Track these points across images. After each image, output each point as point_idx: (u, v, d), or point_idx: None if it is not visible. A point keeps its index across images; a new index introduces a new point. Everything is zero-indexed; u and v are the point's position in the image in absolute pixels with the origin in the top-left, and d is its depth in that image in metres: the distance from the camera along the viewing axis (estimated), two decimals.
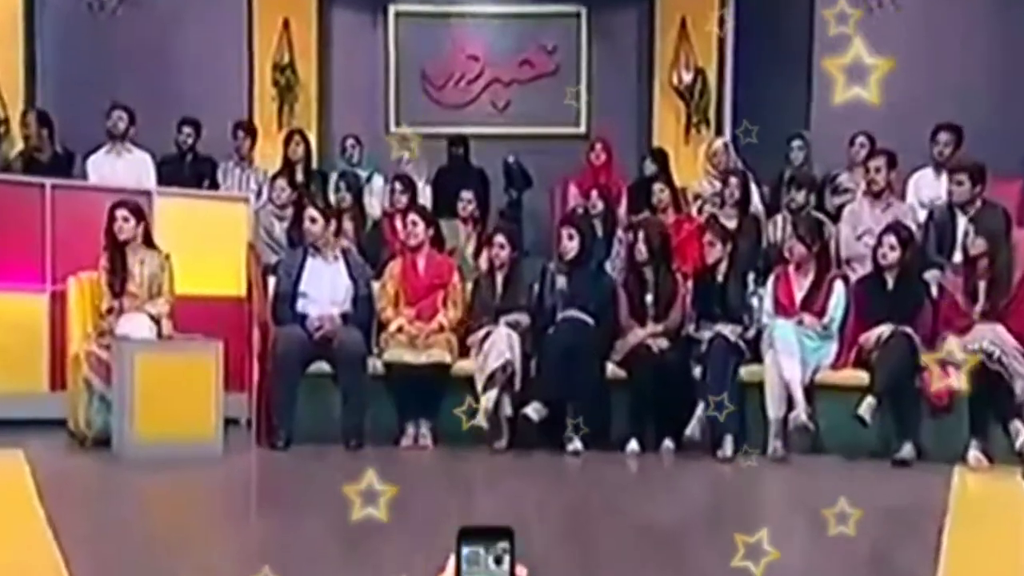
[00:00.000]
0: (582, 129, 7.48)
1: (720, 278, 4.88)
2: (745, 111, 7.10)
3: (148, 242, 4.82)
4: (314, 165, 6.58)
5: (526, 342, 4.75)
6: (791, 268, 4.85)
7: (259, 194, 6.27)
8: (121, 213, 4.73)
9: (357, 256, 5.10)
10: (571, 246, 4.90)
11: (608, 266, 5.54)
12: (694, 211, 6.15)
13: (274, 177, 6.01)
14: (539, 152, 7.32)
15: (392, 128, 7.50)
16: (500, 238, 5.00)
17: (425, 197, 6.30)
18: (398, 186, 5.79)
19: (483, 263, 5.55)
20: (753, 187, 6.07)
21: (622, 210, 6.24)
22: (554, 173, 7.03)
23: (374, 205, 6.31)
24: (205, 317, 5.07)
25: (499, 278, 5.00)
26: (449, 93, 7.54)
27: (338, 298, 4.84)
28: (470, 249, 5.77)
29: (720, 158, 6.16)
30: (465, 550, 1.07)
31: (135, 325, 4.38)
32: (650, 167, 6.46)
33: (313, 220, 4.84)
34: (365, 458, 4.51)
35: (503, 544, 1.07)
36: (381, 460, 4.44)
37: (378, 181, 6.47)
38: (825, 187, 6.03)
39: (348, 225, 5.69)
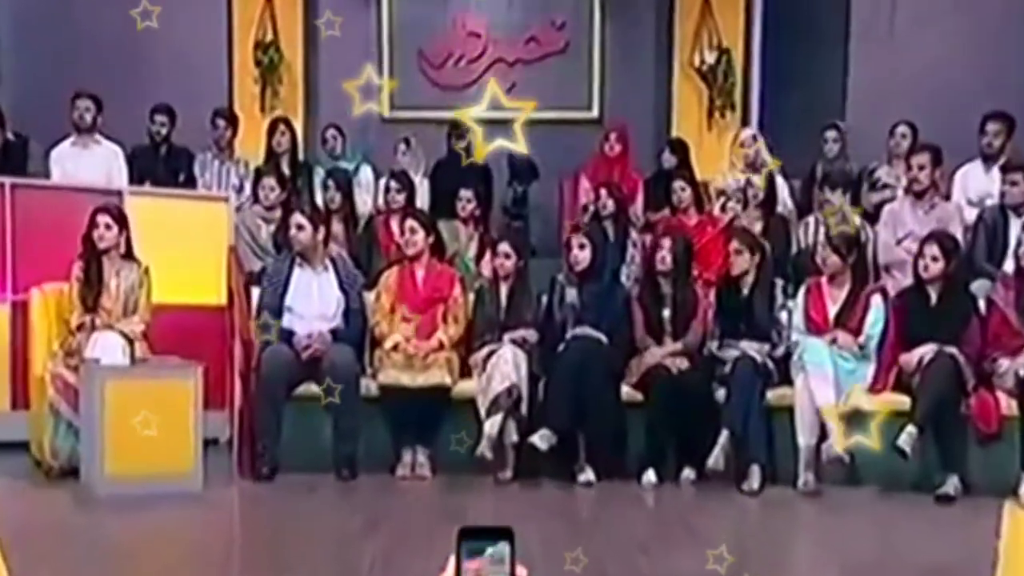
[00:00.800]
0: (594, 113, 7.45)
1: (746, 290, 4.86)
2: (774, 96, 7.05)
3: (128, 253, 4.80)
4: (301, 155, 6.56)
5: (533, 362, 4.73)
6: (824, 279, 4.83)
7: (240, 189, 6.27)
8: (103, 219, 4.71)
9: (348, 264, 5.08)
10: (582, 256, 4.88)
11: (623, 272, 5.52)
12: (716, 208, 6.12)
13: (258, 173, 6.00)
14: (547, 138, 7.31)
15: (387, 113, 7.46)
16: (505, 247, 4.98)
17: (422, 194, 6.28)
18: (394, 185, 5.76)
19: (485, 268, 5.56)
20: (782, 182, 6.05)
21: (638, 208, 6.22)
22: (564, 161, 7.00)
23: (364, 200, 6.29)
24: (182, 328, 5.08)
25: (504, 290, 4.98)
26: (448, 74, 7.49)
27: (328, 312, 4.83)
28: (471, 252, 5.76)
29: (747, 151, 6.12)
30: (465, 550, 1.14)
31: (107, 346, 4.37)
32: (669, 159, 6.44)
33: (300, 227, 4.82)
34: (358, 489, 4.53)
35: (503, 544, 1.14)
36: (375, 491, 4.48)
37: (365, 172, 6.44)
38: (862, 182, 5.99)
39: (338, 227, 5.68)
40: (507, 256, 4.96)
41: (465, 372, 4.85)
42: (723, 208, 6.15)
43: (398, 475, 4.66)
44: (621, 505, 4.42)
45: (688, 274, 4.97)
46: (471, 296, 5.08)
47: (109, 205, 4.76)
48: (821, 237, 5.32)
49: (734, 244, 4.88)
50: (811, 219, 5.58)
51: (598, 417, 4.60)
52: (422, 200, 6.21)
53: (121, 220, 4.76)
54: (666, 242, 4.89)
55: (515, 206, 6.51)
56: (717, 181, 6.25)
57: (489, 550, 1.14)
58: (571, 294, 4.89)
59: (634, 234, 5.74)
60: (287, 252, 5.09)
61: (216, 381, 4.91)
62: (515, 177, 6.63)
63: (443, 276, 5.01)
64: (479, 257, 5.70)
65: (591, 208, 6.03)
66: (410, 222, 4.99)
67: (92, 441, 4.13)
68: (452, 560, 1.14)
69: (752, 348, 4.71)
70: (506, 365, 4.63)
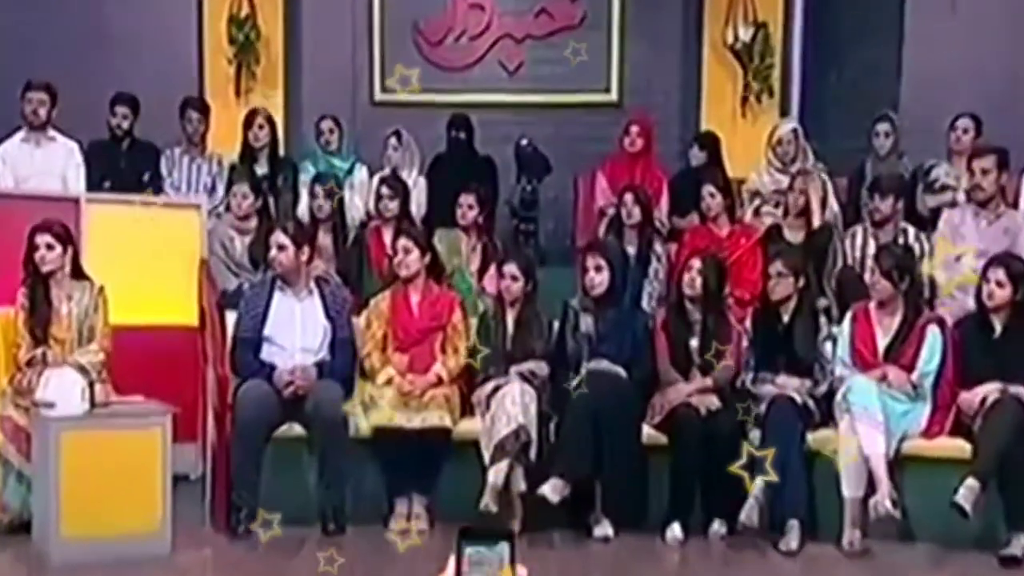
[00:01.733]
0: (613, 96, 7.41)
1: (786, 318, 4.81)
2: (817, 79, 6.98)
3: (77, 272, 4.75)
4: (281, 151, 6.51)
5: (543, 399, 4.70)
6: (872, 305, 4.77)
7: (213, 189, 6.23)
8: (43, 239, 4.64)
9: (336, 287, 5.03)
10: (598, 280, 4.83)
11: (646, 289, 5.46)
12: (749, 213, 6.06)
13: (232, 176, 5.95)
14: (560, 124, 7.26)
15: (377, 95, 7.40)
16: (512, 268, 4.93)
17: (418, 194, 6.21)
18: (385, 191, 5.71)
19: (489, 284, 5.51)
20: (826, 184, 5.97)
21: (662, 211, 6.16)
22: (579, 151, 6.97)
23: (357, 205, 6.25)
24: (149, 352, 5.06)
25: (510, 317, 4.95)
26: (448, 52, 7.44)
27: (312, 344, 4.79)
28: (473, 266, 5.70)
29: (787, 147, 6.04)
30: (465, 551, 1.24)
31: (61, 387, 4.32)
32: (698, 156, 6.39)
33: (281, 247, 4.77)
34: (346, 545, 4.50)
35: (504, 545, 1.25)
36: (366, 547, 4.46)
37: (360, 174, 6.39)
38: (917, 182, 5.91)
39: (325, 238, 5.63)
40: (514, 278, 4.92)
41: (466, 407, 4.83)
42: (757, 212, 6.10)
43: (392, 527, 4.64)
44: (642, 563, 4.40)
45: (720, 299, 4.93)
46: (473, 321, 5.05)
47: (50, 222, 4.68)
48: (871, 251, 5.28)
49: (776, 267, 4.81)
50: (859, 229, 5.51)
51: (616, 463, 4.57)
52: (418, 204, 6.16)
53: (64, 238, 4.69)
54: (695, 263, 4.84)
55: (524, 207, 6.45)
56: (751, 181, 6.20)
57: (489, 551, 1.24)
58: (586, 322, 4.86)
59: (658, 246, 5.69)
60: (265, 269, 5.04)
61: (188, 409, 4.88)
62: (524, 171, 6.57)
63: (441, 300, 4.97)
64: (482, 271, 5.66)
65: (610, 212, 6.00)
66: (403, 241, 4.93)
67: (46, 500, 4.10)
68: (452, 560, 1.24)
69: (791, 385, 4.67)
70: (513, 405, 4.59)
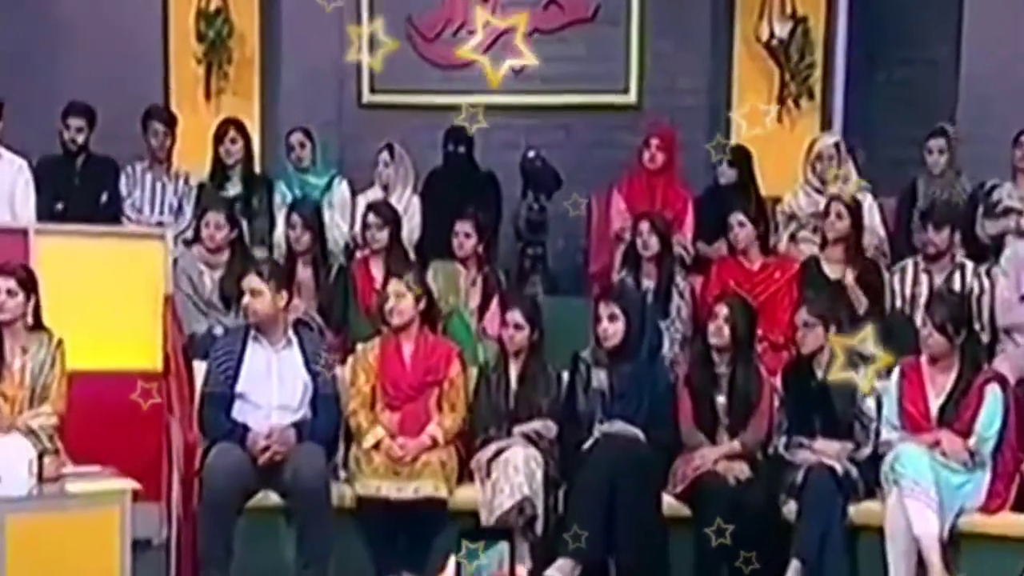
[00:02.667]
0: (631, 97, 7.35)
1: (820, 372, 4.79)
2: (863, 81, 6.92)
3: (36, 322, 4.71)
4: (257, 165, 6.50)
5: (550, 464, 4.70)
6: (924, 360, 4.74)
7: (179, 210, 6.19)
8: (6, 284, 4.60)
9: (317, 335, 5.02)
10: (612, 330, 4.81)
11: (665, 330, 5.43)
12: (784, 239, 6.02)
13: (201, 196, 5.89)
14: (572, 129, 7.22)
15: (366, 97, 7.37)
16: (515, 315, 4.92)
17: (412, 218, 6.19)
18: (373, 219, 5.68)
19: (490, 324, 5.50)
20: (872, 207, 5.94)
21: (686, 234, 6.11)
22: (593, 161, 6.94)
23: (339, 224, 6.22)
24: (106, 400, 5.03)
25: (513, 370, 4.94)
26: (445, 48, 7.37)
27: (291, 400, 4.76)
28: (474, 303, 5.69)
29: (827, 164, 5.99)
30: (465, 551, 1.42)
31: (8, 459, 4.27)
32: (727, 173, 6.33)
33: (255, 293, 4.74)
34: None
35: (503, 545, 1.45)
36: None
37: (340, 191, 6.36)
38: (976, 204, 5.87)
39: (305, 273, 5.60)
40: (517, 327, 4.91)
41: (464, 472, 4.82)
42: (793, 238, 6.06)
43: None
44: None
45: (750, 349, 4.89)
46: (473, 371, 5.04)
47: (12, 266, 4.66)
48: (922, 290, 5.25)
49: (803, 315, 4.79)
50: (909, 264, 5.48)
51: (633, 539, 4.56)
52: (410, 228, 6.13)
53: (28, 284, 4.65)
54: (722, 309, 4.81)
55: (530, 229, 6.42)
56: (786, 202, 6.15)
57: (489, 550, 1.42)
58: (599, 377, 4.84)
59: (680, 279, 5.66)
60: (238, 310, 5.00)
61: (151, 465, 4.88)
62: (531, 187, 6.53)
63: (437, 351, 4.95)
64: (482, 308, 5.64)
65: (626, 236, 5.97)
66: (395, 285, 4.91)
67: None
68: (452, 560, 1.40)
69: (830, 450, 4.66)
70: (516, 474, 4.60)
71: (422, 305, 4.94)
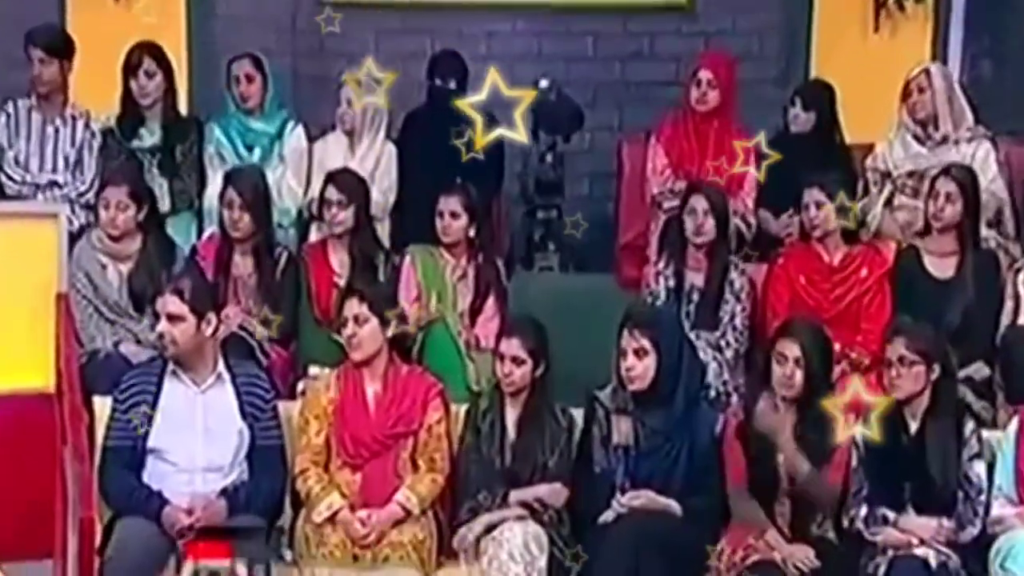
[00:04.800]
0: None
1: (915, 425, 4.76)
2: None
3: None
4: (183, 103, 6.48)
5: (558, 545, 4.70)
6: None
7: (78, 165, 6.14)
8: None
9: (257, 370, 5.00)
10: (640, 368, 4.80)
11: (712, 352, 5.42)
12: (878, 208, 5.95)
13: (107, 145, 5.90)
14: (597, 39, 7.17)
15: None
16: (513, 346, 4.88)
17: (386, 175, 6.15)
18: (333, 193, 5.65)
19: (481, 329, 5.48)
20: (993, 170, 5.81)
21: (746, 205, 6.08)
22: (626, 84, 6.88)
23: (291, 188, 6.21)
24: None
25: (511, 416, 4.93)
26: None
27: (221, 458, 4.76)
28: (464, 302, 5.66)
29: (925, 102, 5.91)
30: None
31: None
32: (801, 117, 6.24)
33: (174, 318, 4.69)
34: None
35: None
36: None
37: (294, 139, 6.32)
38: None
39: (245, 264, 5.59)
40: (516, 361, 4.88)
41: (446, 549, 4.81)
42: (889, 202, 5.99)
43: None
44: None
45: (826, 389, 4.84)
46: (459, 412, 5.02)
47: None
48: None
49: (897, 349, 4.72)
50: None
51: None
52: (384, 190, 6.12)
53: None
54: (792, 350, 4.74)
55: (541, 192, 6.36)
56: (879, 153, 6.10)
57: None
58: (621, 428, 4.84)
59: (736, 276, 5.62)
60: (154, 316, 4.98)
61: (40, 509, 4.97)
62: (543, 127, 6.44)
63: (411, 390, 4.95)
64: (474, 313, 5.63)
65: (666, 204, 5.96)
66: (356, 307, 4.86)
67: None
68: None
69: (923, 531, 4.64)
70: (512, 560, 4.60)
71: (392, 330, 4.92)
